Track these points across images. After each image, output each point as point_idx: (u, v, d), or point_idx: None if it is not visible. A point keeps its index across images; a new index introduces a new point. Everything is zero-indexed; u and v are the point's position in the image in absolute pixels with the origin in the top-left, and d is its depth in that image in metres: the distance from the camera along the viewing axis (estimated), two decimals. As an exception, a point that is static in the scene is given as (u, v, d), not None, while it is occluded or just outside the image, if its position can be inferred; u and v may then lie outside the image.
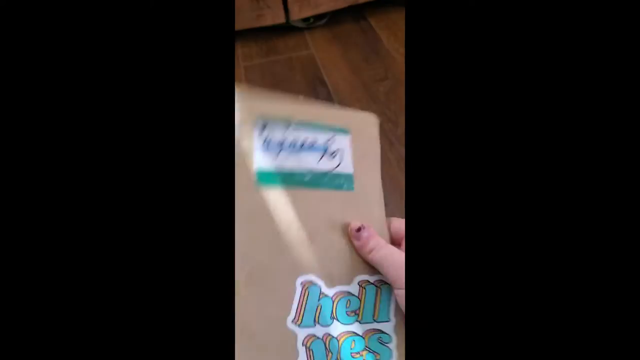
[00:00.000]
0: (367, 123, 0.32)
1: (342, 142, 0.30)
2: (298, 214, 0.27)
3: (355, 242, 0.28)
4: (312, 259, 0.27)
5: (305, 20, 1.09)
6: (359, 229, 0.27)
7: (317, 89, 0.87)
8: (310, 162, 0.28)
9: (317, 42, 1.03)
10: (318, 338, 0.26)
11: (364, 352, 0.26)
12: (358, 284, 0.27)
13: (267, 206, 0.27)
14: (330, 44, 1.01)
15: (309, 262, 0.27)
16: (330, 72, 0.91)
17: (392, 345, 0.27)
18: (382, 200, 0.30)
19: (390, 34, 1.01)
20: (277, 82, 0.90)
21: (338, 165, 0.29)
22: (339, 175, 0.29)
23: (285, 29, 1.09)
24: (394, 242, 0.29)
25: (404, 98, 0.77)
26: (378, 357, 0.26)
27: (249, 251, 0.26)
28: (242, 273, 0.25)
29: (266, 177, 0.27)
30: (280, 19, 1.01)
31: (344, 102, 0.82)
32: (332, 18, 1.10)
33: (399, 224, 0.30)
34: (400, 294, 0.26)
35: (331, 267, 0.27)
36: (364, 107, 0.79)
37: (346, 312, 0.26)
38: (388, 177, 0.64)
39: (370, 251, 0.27)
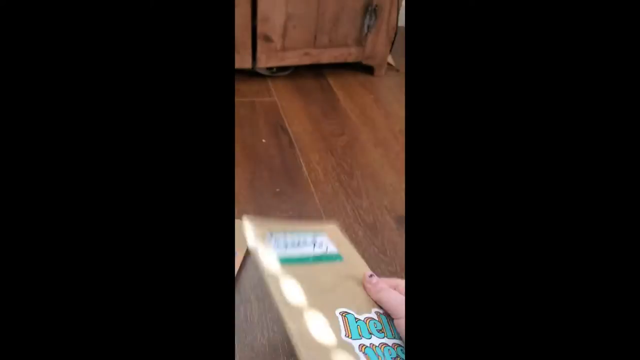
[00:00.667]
0: (332, 229, 0.51)
1: (323, 238, 0.48)
2: (319, 276, 0.41)
3: (367, 285, 0.41)
4: (340, 298, 0.39)
5: (269, 69, 1.16)
6: (371, 275, 0.42)
7: (279, 135, 0.92)
8: (308, 250, 0.44)
9: (280, 91, 1.10)
10: (367, 346, 0.35)
11: (398, 359, 0.36)
12: (375, 313, 0.39)
13: (300, 274, 0.40)
14: (292, 94, 1.09)
15: (338, 300, 0.38)
16: (292, 121, 0.98)
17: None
18: (366, 266, 0.47)
19: (346, 94, 1.12)
20: (242, 123, 0.95)
21: (327, 249, 0.45)
22: (330, 255, 0.45)
23: (250, 74, 1.15)
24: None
25: (359, 153, 0.86)
26: None
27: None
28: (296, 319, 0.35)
29: (285, 260, 0.41)
30: (247, 64, 1.08)
31: (305, 150, 0.88)
32: (295, 71, 1.19)
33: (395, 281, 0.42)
34: (399, 323, 0.37)
35: (354, 302, 0.39)
36: (322, 157, 0.86)
37: (377, 330, 0.37)
38: (344, 226, 0.71)
39: (379, 291, 0.40)
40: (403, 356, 0.36)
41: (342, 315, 0.37)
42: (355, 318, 0.37)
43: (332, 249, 0.46)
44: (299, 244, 0.44)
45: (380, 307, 0.40)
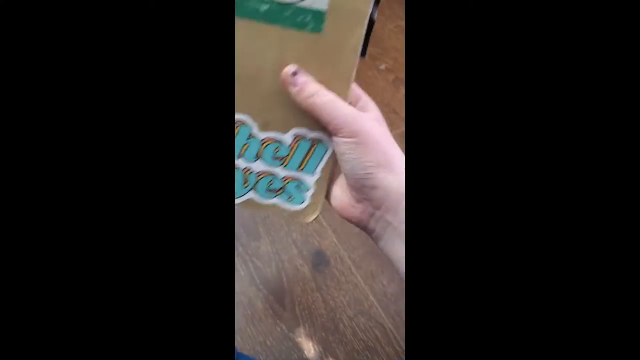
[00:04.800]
0: None
1: None
2: (243, 50, 0.25)
3: (291, 88, 0.25)
4: (249, 100, 0.26)
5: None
6: (294, 73, 0.25)
7: None
8: None
9: None
10: (238, 169, 0.27)
11: (280, 191, 0.28)
12: (293, 135, 0.26)
13: None
14: None
15: (245, 102, 0.26)
16: None
17: (308, 194, 0.28)
18: (358, 52, 0.25)
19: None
20: None
21: (311, 1, 0.24)
22: (304, 11, 0.24)
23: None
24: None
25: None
26: (291, 199, 0.28)
27: None
28: None
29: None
30: None
31: None
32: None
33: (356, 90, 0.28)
34: (340, 142, 0.25)
35: (269, 113, 0.26)
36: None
37: (272, 156, 0.27)
38: None
39: (311, 96, 0.25)
40: (293, 191, 0.28)
41: (236, 125, 0.26)
42: (251, 134, 0.26)
43: (320, 1, 0.24)
44: None
45: (314, 130, 0.26)
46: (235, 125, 0.26)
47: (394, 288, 0.62)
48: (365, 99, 0.28)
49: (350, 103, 0.26)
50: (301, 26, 0.24)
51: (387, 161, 0.25)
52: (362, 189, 0.26)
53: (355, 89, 0.28)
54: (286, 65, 0.25)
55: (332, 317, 0.60)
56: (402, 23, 1.06)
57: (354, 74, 0.25)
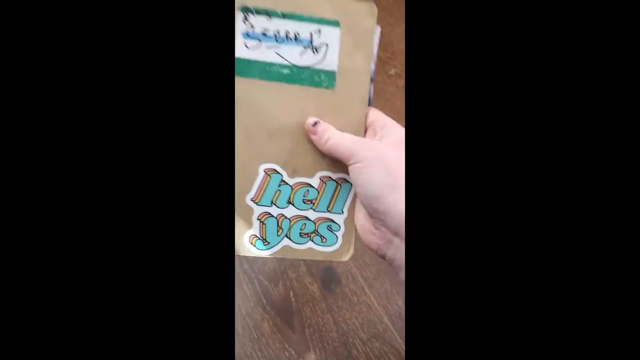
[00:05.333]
0: (363, 14, 0.28)
1: (330, 36, 0.28)
2: (269, 107, 0.28)
3: (313, 137, 0.28)
4: (278, 150, 0.29)
5: None
6: (315, 124, 0.28)
7: None
8: (291, 55, 0.28)
9: None
10: (272, 216, 0.29)
11: (312, 235, 0.30)
12: (320, 178, 0.29)
13: (240, 96, 0.27)
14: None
15: (274, 152, 0.29)
16: None
17: (339, 233, 0.30)
18: (366, 102, 0.29)
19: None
20: None
21: (321, 61, 0.28)
22: (319, 72, 0.28)
23: None
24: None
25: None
26: (324, 241, 0.30)
27: None
28: None
29: (243, 67, 0.27)
30: None
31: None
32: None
33: (373, 115, 0.30)
34: (351, 169, 0.27)
35: (296, 160, 0.29)
36: None
37: (303, 200, 0.29)
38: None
39: (326, 142, 0.28)
40: (326, 232, 0.29)
41: (266, 172, 0.28)
42: (282, 181, 0.29)
43: (331, 61, 0.28)
44: (285, 38, 0.27)
45: (337, 171, 0.29)
46: (267, 174, 0.29)
47: (410, 310, 0.58)
48: (391, 124, 0.29)
49: (366, 130, 0.30)
50: (317, 84, 0.29)
51: (399, 185, 0.25)
52: (376, 215, 0.27)
53: (382, 117, 0.29)
54: (307, 117, 0.29)
55: (344, 341, 0.56)
56: (411, 26, 1.02)
57: (365, 119, 0.29)
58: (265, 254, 0.29)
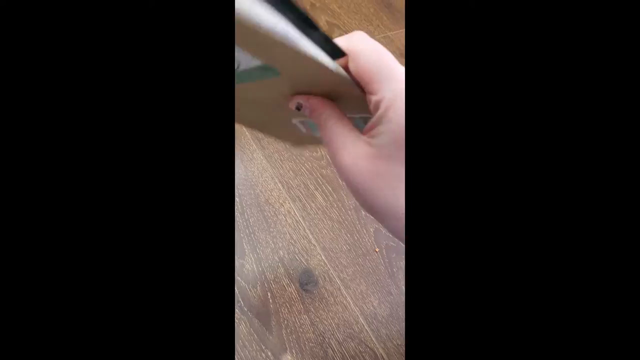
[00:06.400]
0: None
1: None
2: (251, 102, 0.28)
3: (307, 114, 0.24)
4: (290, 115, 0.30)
5: None
6: (298, 108, 0.24)
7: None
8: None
9: None
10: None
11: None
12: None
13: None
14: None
15: (291, 114, 0.29)
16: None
17: None
18: (327, 64, 0.21)
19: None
20: None
21: (239, 66, 0.22)
22: (250, 72, 0.23)
23: None
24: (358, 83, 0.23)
25: None
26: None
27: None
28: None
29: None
30: None
31: None
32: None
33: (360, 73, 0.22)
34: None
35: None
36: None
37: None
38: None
39: (321, 114, 0.24)
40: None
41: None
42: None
43: (246, 59, 0.22)
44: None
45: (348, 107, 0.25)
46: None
47: (385, 310, 0.59)
48: (388, 98, 0.22)
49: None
50: (266, 77, 0.23)
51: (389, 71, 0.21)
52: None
53: (371, 78, 0.22)
54: (283, 102, 0.26)
55: (320, 341, 0.57)
56: (391, 34, 1.04)
57: (343, 83, 0.23)
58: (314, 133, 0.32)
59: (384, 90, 0.21)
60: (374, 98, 0.21)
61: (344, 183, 0.24)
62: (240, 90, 0.27)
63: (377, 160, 0.21)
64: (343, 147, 0.22)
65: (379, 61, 0.22)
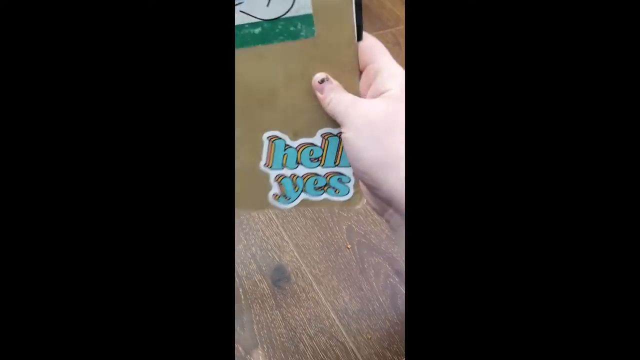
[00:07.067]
0: None
1: None
2: (252, 75, 0.27)
3: (319, 95, 0.27)
4: (273, 117, 0.29)
5: None
6: (322, 81, 0.27)
7: None
8: (258, 9, 0.24)
9: None
10: (286, 177, 0.31)
11: (326, 187, 0.31)
12: (321, 136, 0.29)
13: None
14: None
15: (271, 119, 0.29)
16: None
17: (350, 184, 0.31)
18: (354, 40, 0.26)
19: None
20: None
21: (291, 7, 0.24)
22: (293, 20, 0.25)
23: None
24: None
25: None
26: (337, 192, 0.31)
27: None
28: None
29: None
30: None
31: None
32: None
33: (366, 54, 0.27)
34: (344, 139, 0.27)
35: (294, 123, 0.29)
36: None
37: (310, 159, 0.30)
38: None
39: (328, 104, 0.27)
40: (337, 184, 0.31)
41: (270, 140, 0.29)
42: (286, 145, 0.29)
43: (303, 2, 0.24)
44: None
45: (337, 126, 0.28)
46: (271, 141, 0.29)
47: (356, 305, 0.61)
48: (385, 67, 0.26)
49: (361, 73, 0.27)
50: (295, 36, 0.25)
51: (389, 160, 0.25)
52: (368, 187, 0.27)
53: (376, 58, 0.27)
54: (295, 77, 0.27)
55: (292, 336, 0.57)
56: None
57: (357, 62, 0.27)
58: (289, 206, 0.32)
59: (385, 62, 0.26)
60: (375, 66, 0.27)
61: (354, 134, 0.26)
62: (256, 58, 0.26)
63: (392, 102, 0.26)
64: (359, 101, 0.27)
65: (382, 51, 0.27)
